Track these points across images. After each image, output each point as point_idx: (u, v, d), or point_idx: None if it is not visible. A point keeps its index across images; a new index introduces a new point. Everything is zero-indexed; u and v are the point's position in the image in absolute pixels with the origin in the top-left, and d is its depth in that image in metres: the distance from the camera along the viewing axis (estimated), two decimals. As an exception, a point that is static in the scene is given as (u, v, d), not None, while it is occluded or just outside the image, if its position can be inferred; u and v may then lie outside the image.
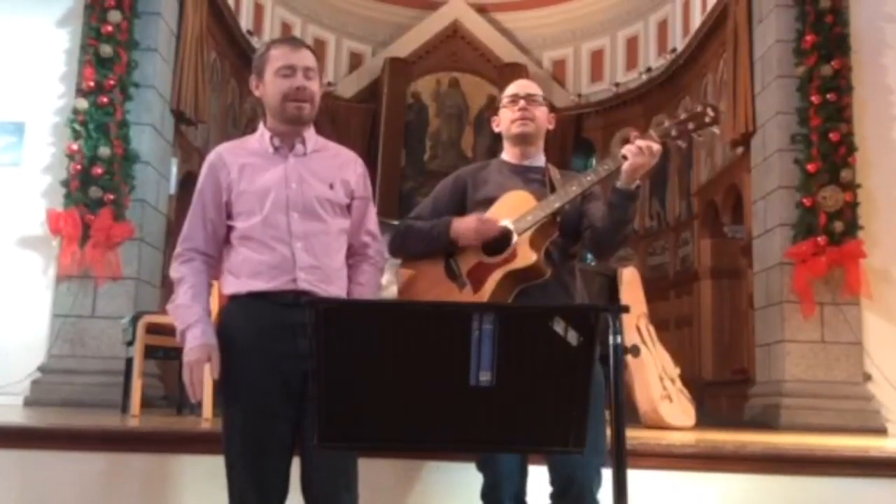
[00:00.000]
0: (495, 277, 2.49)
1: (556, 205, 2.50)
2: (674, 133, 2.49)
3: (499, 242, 2.51)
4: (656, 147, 2.38)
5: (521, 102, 2.64)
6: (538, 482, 2.46)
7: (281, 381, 2.19)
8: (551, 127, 2.74)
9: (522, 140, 2.66)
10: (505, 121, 2.69)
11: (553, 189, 2.58)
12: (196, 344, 2.21)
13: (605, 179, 2.52)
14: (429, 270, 2.60)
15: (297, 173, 2.32)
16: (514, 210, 2.53)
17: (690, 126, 2.50)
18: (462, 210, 2.65)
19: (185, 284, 2.29)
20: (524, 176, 2.65)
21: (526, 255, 2.48)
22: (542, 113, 2.68)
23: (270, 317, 2.22)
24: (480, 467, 2.49)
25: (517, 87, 2.72)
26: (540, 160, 2.71)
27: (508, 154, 2.72)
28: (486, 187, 2.64)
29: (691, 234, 9.22)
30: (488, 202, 2.59)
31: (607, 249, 2.62)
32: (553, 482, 2.41)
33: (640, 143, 2.38)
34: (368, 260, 2.45)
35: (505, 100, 2.70)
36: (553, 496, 2.41)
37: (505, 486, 2.44)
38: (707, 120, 2.50)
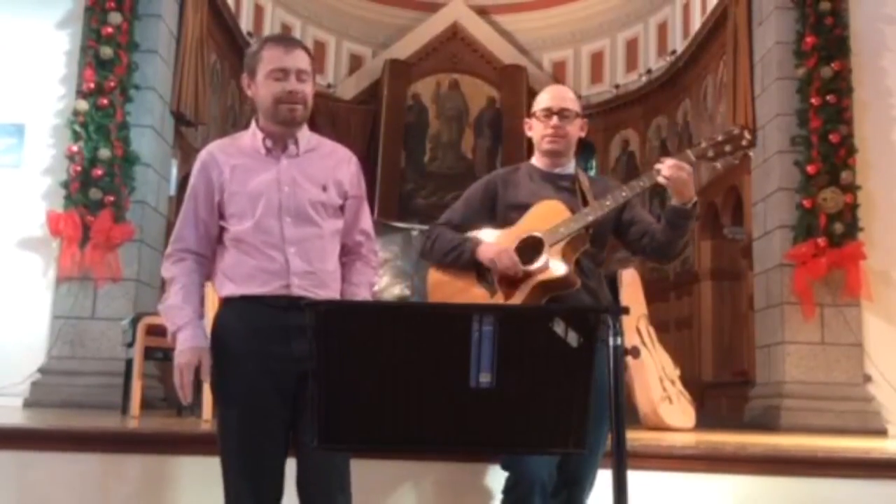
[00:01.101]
0: (526, 287, 2.54)
1: (590, 218, 2.54)
2: (710, 154, 2.55)
3: (531, 252, 2.55)
4: (679, 165, 2.45)
5: (554, 119, 2.65)
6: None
7: (275, 382, 2.18)
8: (583, 134, 2.76)
9: (551, 155, 2.70)
10: (536, 133, 2.71)
11: (583, 197, 2.62)
12: (186, 347, 2.21)
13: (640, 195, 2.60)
14: (460, 275, 2.64)
15: (290, 176, 2.29)
16: (546, 220, 2.57)
17: (727, 148, 2.55)
18: (492, 213, 2.70)
19: (176, 285, 2.27)
20: (554, 183, 2.67)
21: (557, 267, 2.52)
22: (574, 128, 2.69)
23: (265, 319, 2.21)
24: (504, 465, 2.45)
25: (552, 98, 2.70)
26: (570, 168, 2.73)
27: (539, 161, 2.74)
28: (518, 191, 2.67)
29: (691, 235, 9.19)
30: (520, 207, 2.63)
31: (670, 258, 2.73)
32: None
33: (671, 162, 2.45)
34: (362, 259, 2.44)
35: (538, 111, 2.69)
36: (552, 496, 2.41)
37: (529, 484, 2.37)
38: (744, 143, 2.55)
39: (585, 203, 2.60)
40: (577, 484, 2.44)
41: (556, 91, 2.76)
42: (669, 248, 2.61)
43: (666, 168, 2.45)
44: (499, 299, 2.56)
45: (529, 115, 2.77)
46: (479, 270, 2.61)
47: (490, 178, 2.79)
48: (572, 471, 2.42)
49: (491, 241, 2.63)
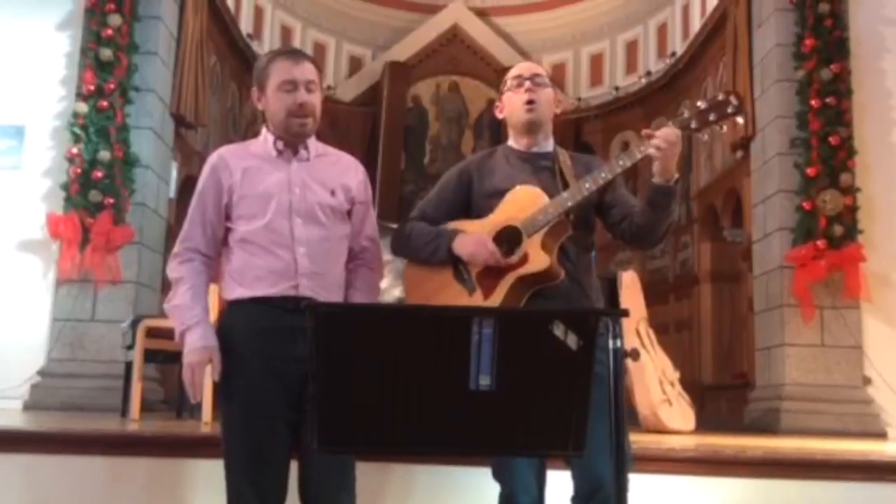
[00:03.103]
0: (507, 282, 2.38)
1: (569, 204, 2.37)
2: (694, 125, 2.35)
3: (509, 244, 2.40)
4: (675, 134, 2.27)
5: (528, 84, 2.49)
6: (556, 486, 2.41)
7: (280, 383, 2.19)
8: (558, 111, 2.59)
9: (530, 128, 2.53)
10: (510, 105, 2.54)
11: (563, 178, 2.47)
12: (197, 346, 2.22)
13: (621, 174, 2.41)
14: (436, 273, 2.48)
15: (300, 178, 2.32)
16: (523, 208, 2.40)
17: (712, 117, 2.34)
18: (468, 203, 2.54)
19: (184, 285, 2.29)
20: (533, 164, 2.51)
21: (538, 259, 2.36)
22: (547, 96, 2.52)
23: (270, 320, 2.22)
24: (496, 476, 2.36)
25: (521, 68, 2.57)
26: (548, 145, 2.57)
27: (515, 141, 2.57)
28: (494, 178, 2.51)
29: (691, 237, 9.21)
30: (496, 195, 2.47)
31: (651, 243, 2.51)
32: (578, 486, 2.30)
33: (666, 131, 2.28)
34: (367, 265, 2.45)
35: (509, 82, 2.54)
36: (576, 499, 2.30)
37: (521, 496, 2.31)
38: (730, 110, 2.34)
39: (566, 184, 2.42)
40: (603, 487, 2.22)
41: (525, 64, 2.64)
42: (650, 233, 2.40)
43: (661, 140, 2.25)
44: (477, 297, 2.40)
45: (500, 95, 2.58)
46: (455, 267, 2.45)
47: (464, 167, 2.61)
48: (596, 474, 2.22)
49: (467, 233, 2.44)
